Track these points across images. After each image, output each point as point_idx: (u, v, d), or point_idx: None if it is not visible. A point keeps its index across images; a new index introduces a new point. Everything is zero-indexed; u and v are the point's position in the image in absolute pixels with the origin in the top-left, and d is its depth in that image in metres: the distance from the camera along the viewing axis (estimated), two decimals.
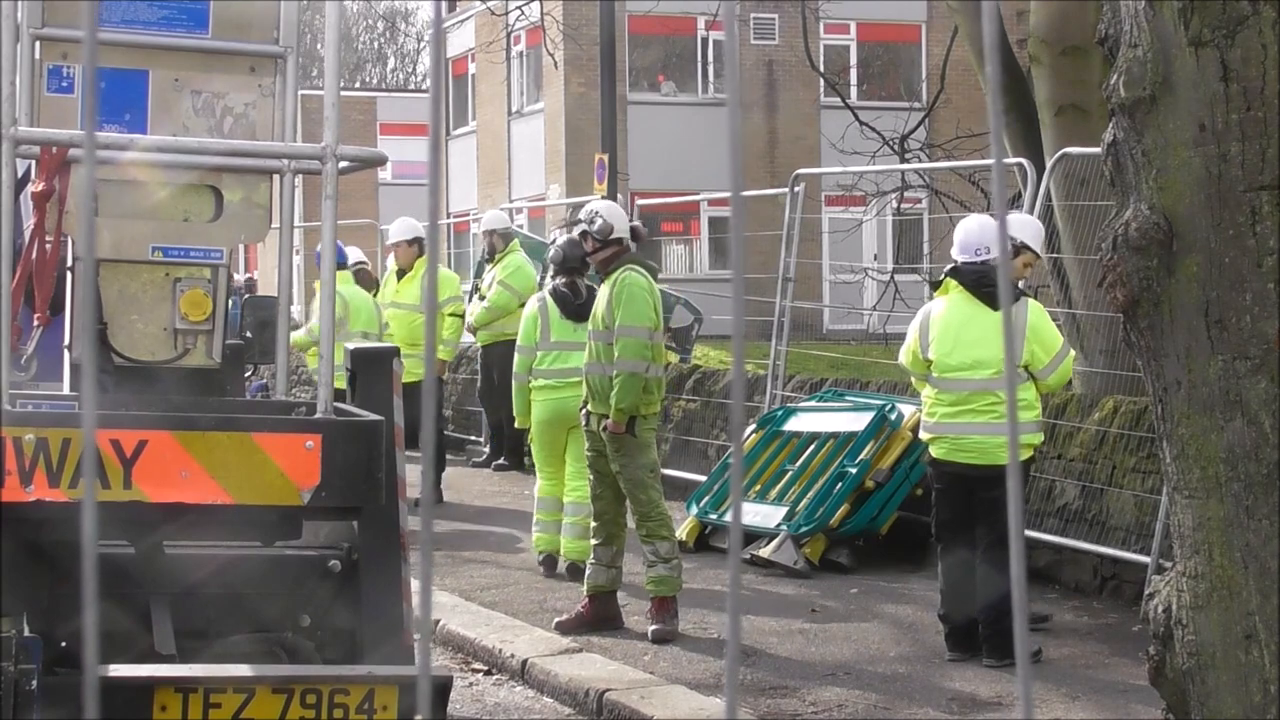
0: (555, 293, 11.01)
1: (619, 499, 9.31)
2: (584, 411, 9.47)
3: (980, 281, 8.39)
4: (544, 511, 11.01)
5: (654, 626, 9.08)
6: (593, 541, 9.43)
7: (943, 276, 8.66)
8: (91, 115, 1.31)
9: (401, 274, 14.36)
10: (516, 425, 11.59)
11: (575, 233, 9.63)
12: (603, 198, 15.38)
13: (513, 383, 11.25)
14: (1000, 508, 8.24)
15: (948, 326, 8.46)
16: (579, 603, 9.39)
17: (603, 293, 9.41)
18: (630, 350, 9.09)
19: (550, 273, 11.24)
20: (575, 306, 10.75)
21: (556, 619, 9.29)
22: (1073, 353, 8.80)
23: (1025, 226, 9.03)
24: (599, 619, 9.23)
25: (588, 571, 9.38)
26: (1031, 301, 8.75)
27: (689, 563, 11.07)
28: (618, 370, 9.10)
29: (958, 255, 8.57)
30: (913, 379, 8.95)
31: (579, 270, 10.72)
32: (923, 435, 8.74)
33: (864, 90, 31.22)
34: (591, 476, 9.45)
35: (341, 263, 13.19)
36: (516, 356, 11.13)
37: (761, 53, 31.08)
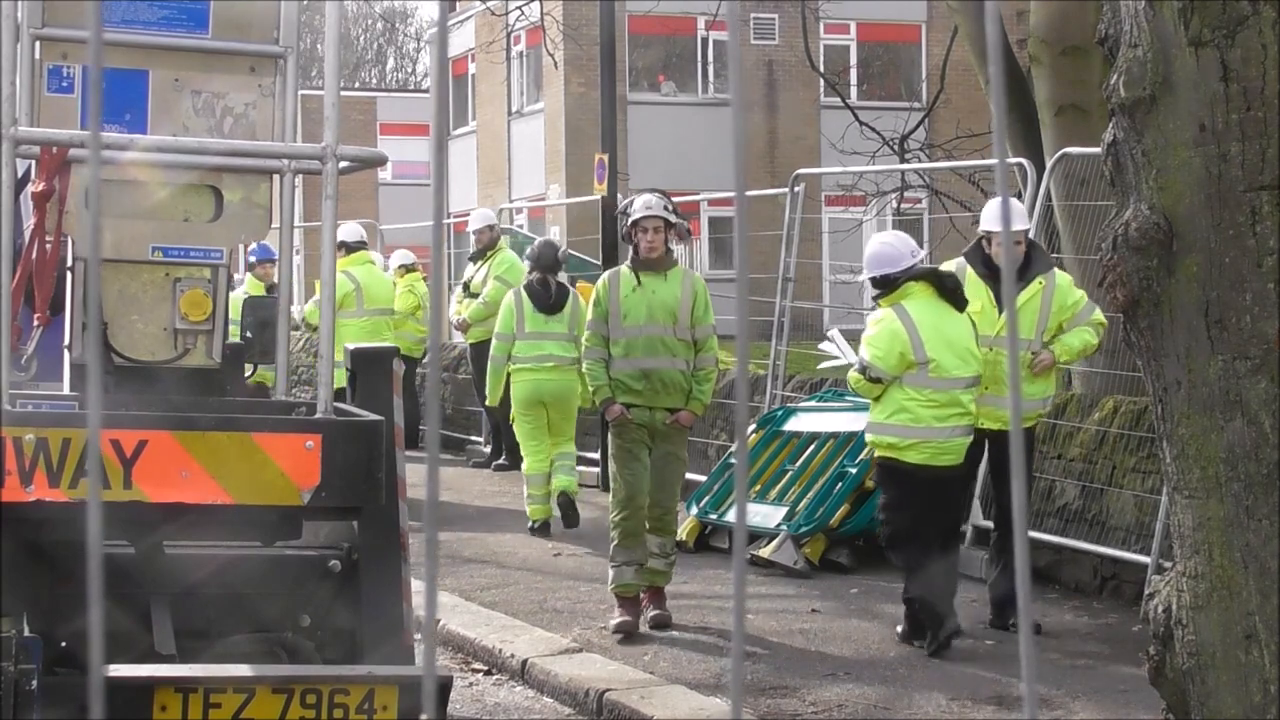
0: (529, 288, 12.55)
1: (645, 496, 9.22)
2: (639, 409, 9.17)
3: (956, 285, 8.75)
4: (534, 487, 12.45)
5: (654, 613, 9.20)
6: (617, 542, 9.26)
7: (902, 281, 8.68)
8: (96, 115, 1.31)
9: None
10: (488, 403, 13.33)
11: (656, 209, 9.13)
12: (603, 197, 15.44)
13: (489, 365, 12.69)
14: (961, 502, 9.10)
15: (935, 328, 8.60)
16: (616, 606, 9.25)
17: (667, 288, 9.18)
18: (715, 347, 9.35)
19: (528, 269, 12.87)
20: (547, 301, 12.41)
21: (614, 622, 9.16)
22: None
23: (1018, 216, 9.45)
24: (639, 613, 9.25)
25: (613, 575, 9.24)
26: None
27: (689, 562, 11.09)
28: (709, 367, 9.27)
29: (890, 268, 8.69)
30: (865, 385, 8.79)
31: (553, 269, 12.62)
32: (895, 439, 8.67)
33: (864, 90, 31.21)
34: (628, 473, 9.18)
35: (270, 258, 13.33)
36: (495, 343, 12.65)
37: (761, 53, 31.08)
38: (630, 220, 9.17)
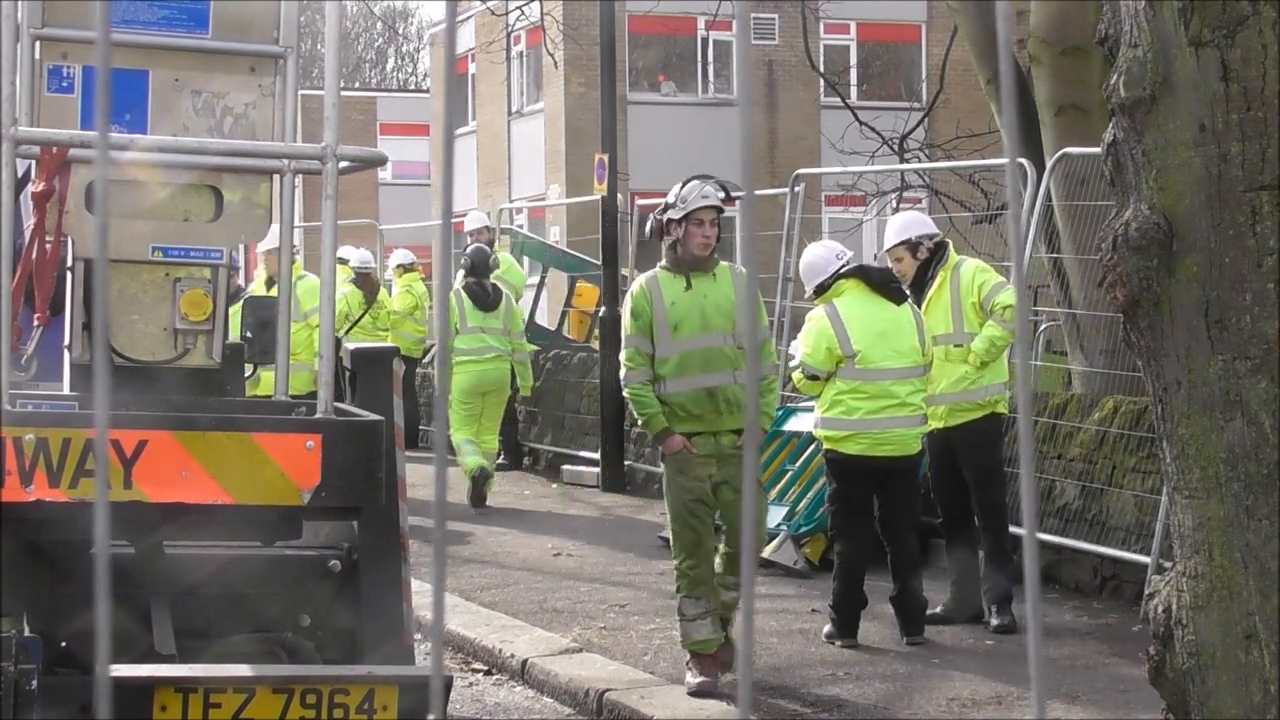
0: (468, 289, 14.17)
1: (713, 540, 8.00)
2: (702, 438, 7.92)
3: (888, 279, 9.03)
4: (466, 445, 13.92)
5: (731, 675, 7.92)
6: (685, 594, 8.02)
7: (833, 281, 8.95)
8: (104, 116, 1.31)
9: (271, 283, 13.92)
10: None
11: (713, 199, 7.92)
12: (603, 197, 15.44)
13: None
14: (914, 494, 9.16)
15: (864, 323, 8.83)
16: (689, 662, 8.04)
17: (718, 289, 7.97)
18: (773, 352, 8.49)
19: (463, 273, 14.52)
20: (485, 301, 14.09)
21: (693, 681, 7.95)
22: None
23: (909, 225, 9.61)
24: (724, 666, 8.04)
25: (686, 630, 8.05)
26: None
27: None
28: (770, 375, 8.28)
29: (821, 276, 8.96)
30: (805, 383, 9.11)
31: (486, 273, 14.37)
32: (833, 433, 8.90)
33: (864, 90, 31.21)
34: (694, 518, 7.89)
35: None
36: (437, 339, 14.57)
37: (761, 53, 31.08)
38: (685, 211, 7.87)
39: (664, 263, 8.06)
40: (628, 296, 8.21)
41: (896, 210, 21.74)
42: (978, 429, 9.26)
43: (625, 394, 8.19)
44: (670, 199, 8.05)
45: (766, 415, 8.25)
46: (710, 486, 7.90)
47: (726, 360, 7.93)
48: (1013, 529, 9.34)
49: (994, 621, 9.18)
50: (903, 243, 9.37)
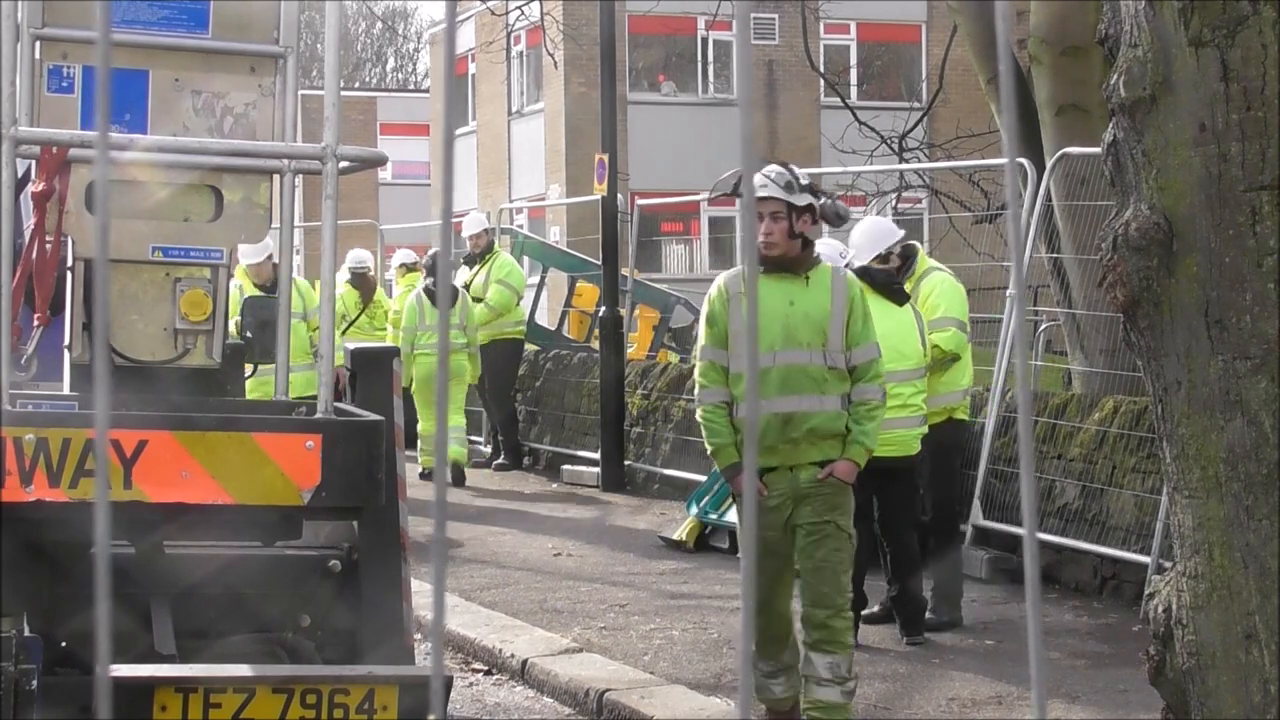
0: (427, 290, 15.49)
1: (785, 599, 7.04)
2: (776, 473, 6.72)
3: (890, 280, 9.01)
4: (429, 443, 15.74)
5: None
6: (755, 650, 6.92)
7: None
8: (105, 116, 1.31)
9: (266, 290, 13.43)
10: (406, 386, 15.84)
11: (770, 189, 6.66)
12: (603, 197, 15.44)
13: (400, 355, 15.03)
14: (914, 495, 9.19)
15: None
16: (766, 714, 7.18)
17: (810, 295, 6.76)
18: (880, 374, 6.88)
19: (424, 275, 16.09)
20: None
21: None
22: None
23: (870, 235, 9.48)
24: None
25: (756, 682, 6.98)
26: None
27: (688, 563, 11.09)
28: (874, 399, 6.78)
29: (861, 259, 9.04)
30: None
31: None
32: None
33: (864, 90, 31.24)
34: (764, 575, 6.89)
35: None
36: (401, 335, 15.32)
37: (761, 53, 31.11)
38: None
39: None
40: (705, 299, 6.99)
41: (897, 210, 21.79)
42: (938, 432, 9.31)
43: (697, 416, 6.97)
44: (730, 187, 7.04)
45: (861, 445, 6.72)
46: (786, 531, 6.81)
47: (812, 382, 6.68)
48: (1008, 528, 9.34)
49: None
50: (875, 258, 9.34)
